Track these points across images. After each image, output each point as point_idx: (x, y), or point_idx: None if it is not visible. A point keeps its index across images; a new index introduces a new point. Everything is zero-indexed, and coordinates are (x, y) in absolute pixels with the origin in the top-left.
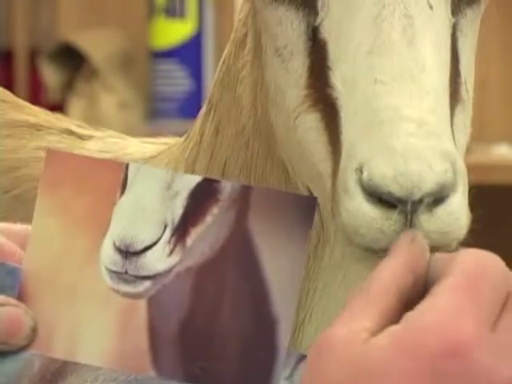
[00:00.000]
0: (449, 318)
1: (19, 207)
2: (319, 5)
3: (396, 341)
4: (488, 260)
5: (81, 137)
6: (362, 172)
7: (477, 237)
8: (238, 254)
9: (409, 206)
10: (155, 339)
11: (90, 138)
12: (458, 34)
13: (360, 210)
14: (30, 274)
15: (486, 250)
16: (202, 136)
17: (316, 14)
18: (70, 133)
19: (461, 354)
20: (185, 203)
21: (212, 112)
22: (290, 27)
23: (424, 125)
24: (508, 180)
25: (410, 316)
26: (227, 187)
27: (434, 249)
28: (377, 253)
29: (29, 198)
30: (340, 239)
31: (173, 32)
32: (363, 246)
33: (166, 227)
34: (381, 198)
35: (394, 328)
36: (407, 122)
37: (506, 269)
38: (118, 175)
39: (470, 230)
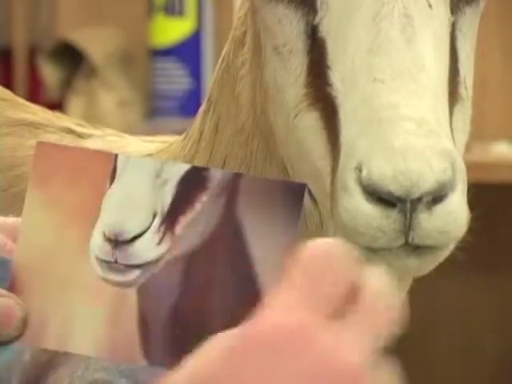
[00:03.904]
0: (281, 314)
1: (17, 205)
2: (318, 3)
3: (231, 349)
4: (325, 253)
5: (80, 135)
6: (361, 171)
7: (476, 235)
8: (228, 241)
9: (408, 205)
10: (146, 328)
11: (89, 136)
12: (457, 32)
13: (359, 208)
14: (20, 266)
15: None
16: (201, 134)
17: (315, 12)
18: (70, 131)
19: (297, 338)
20: (174, 191)
21: (211, 110)
22: (289, 26)
23: (423, 123)
24: (507, 179)
25: (246, 321)
26: (216, 175)
27: (433, 248)
28: (376, 251)
29: None
30: (339, 238)
31: (172, 30)
32: (362, 244)
33: (155, 216)
34: (380, 197)
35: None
36: (406, 121)
37: (349, 258)
38: (108, 166)
39: (469, 228)
